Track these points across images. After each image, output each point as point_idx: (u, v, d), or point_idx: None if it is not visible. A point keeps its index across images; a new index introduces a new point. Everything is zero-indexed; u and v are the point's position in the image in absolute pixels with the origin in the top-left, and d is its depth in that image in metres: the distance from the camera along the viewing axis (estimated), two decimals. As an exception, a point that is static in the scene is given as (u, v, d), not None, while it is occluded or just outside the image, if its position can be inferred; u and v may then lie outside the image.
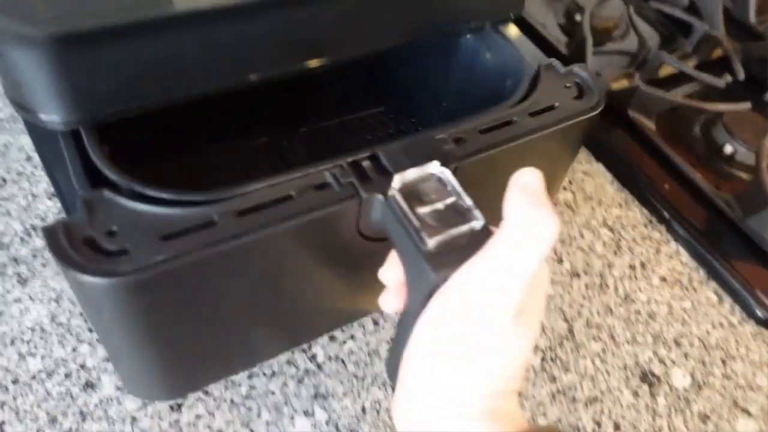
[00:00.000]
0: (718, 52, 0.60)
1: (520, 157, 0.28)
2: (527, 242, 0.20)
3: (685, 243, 0.45)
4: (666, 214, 0.46)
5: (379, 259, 0.25)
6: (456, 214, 0.23)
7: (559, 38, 0.61)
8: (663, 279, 0.43)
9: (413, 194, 0.24)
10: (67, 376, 0.32)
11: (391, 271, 0.25)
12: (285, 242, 0.25)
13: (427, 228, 0.23)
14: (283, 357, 0.35)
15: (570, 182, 0.48)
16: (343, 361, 0.35)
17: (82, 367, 0.33)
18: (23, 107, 0.24)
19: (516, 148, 0.28)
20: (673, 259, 0.44)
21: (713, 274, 0.44)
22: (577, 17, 0.63)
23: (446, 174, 0.25)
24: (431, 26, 0.30)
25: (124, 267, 0.21)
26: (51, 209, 0.39)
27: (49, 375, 0.32)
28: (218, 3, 0.22)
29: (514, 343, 0.22)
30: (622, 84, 0.56)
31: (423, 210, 0.23)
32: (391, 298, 0.25)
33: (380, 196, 0.24)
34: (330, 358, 0.35)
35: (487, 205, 0.23)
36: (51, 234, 0.21)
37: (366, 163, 0.26)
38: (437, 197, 0.24)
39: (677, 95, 0.54)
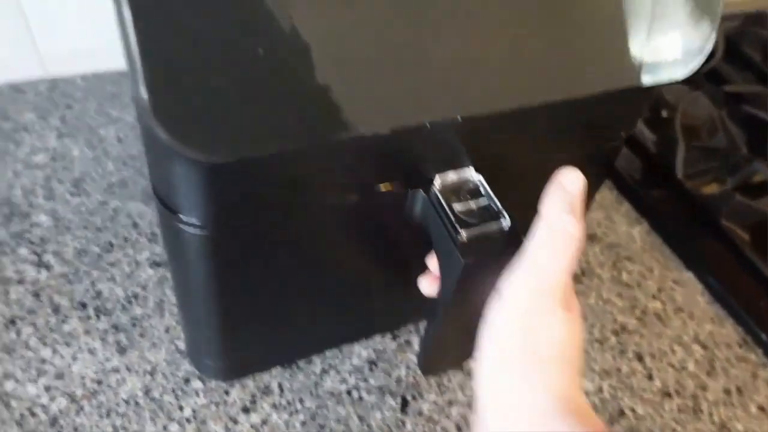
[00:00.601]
0: (814, 161, 0.58)
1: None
2: (561, 245, 0.23)
3: (784, 369, 0.43)
4: (763, 336, 0.44)
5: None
6: (487, 214, 0.27)
7: (643, 131, 0.61)
8: (761, 408, 0.40)
9: (451, 193, 0.28)
10: (156, 454, 0.33)
11: (434, 259, 0.28)
12: (347, 219, 0.29)
13: (460, 222, 0.26)
14: (363, 455, 0.34)
15: (659, 290, 0.46)
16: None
17: (171, 446, 0.33)
18: (168, 207, 0.26)
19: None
20: (772, 386, 0.42)
21: (816, 407, 0.41)
22: (664, 113, 0.62)
23: (480, 179, 0.29)
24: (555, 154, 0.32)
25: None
26: (152, 278, 0.40)
27: (140, 452, 0.33)
28: (397, 125, 0.24)
29: (568, 330, 0.24)
30: (712, 189, 0.54)
31: (459, 207, 0.27)
32: (429, 283, 0.29)
33: (422, 192, 0.28)
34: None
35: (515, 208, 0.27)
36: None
37: None
38: (472, 198, 0.28)
39: (772, 205, 0.52)
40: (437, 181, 0.28)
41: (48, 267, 0.40)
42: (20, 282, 0.39)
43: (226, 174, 0.23)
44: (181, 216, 0.25)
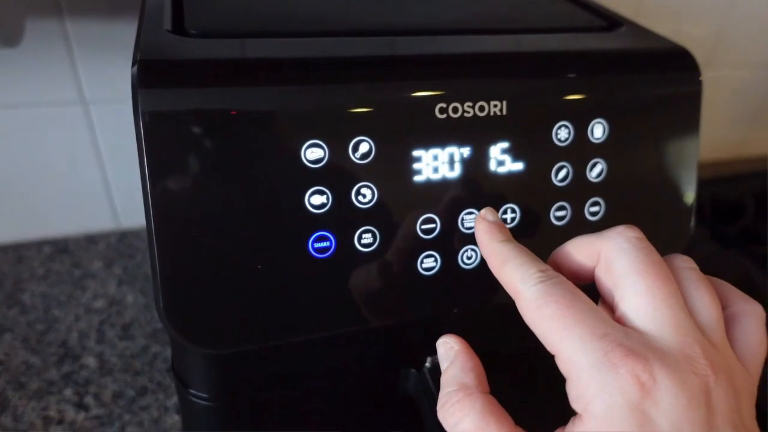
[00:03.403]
0: None
1: None
2: None
3: None
4: None
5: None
6: None
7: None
8: None
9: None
10: None
11: None
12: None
13: None
14: None
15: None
16: None
17: None
18: (182, 380, 0.29)
19: None
20: None
21: None
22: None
23: None
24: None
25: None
26: (176, 424, 0.43)
27: None
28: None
29: None
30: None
31: None
32: None
33: (414, 371, 0.30)
34: None
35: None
36: None
37: None
38: None
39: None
40: (428, 362, 0.31)
41: (87, 408, 0.44)
42: (60, 422, 0.43)
43: (228, 361, 0.27)
44: (191, 390, 0.29)
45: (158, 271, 0.23)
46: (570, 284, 0.20)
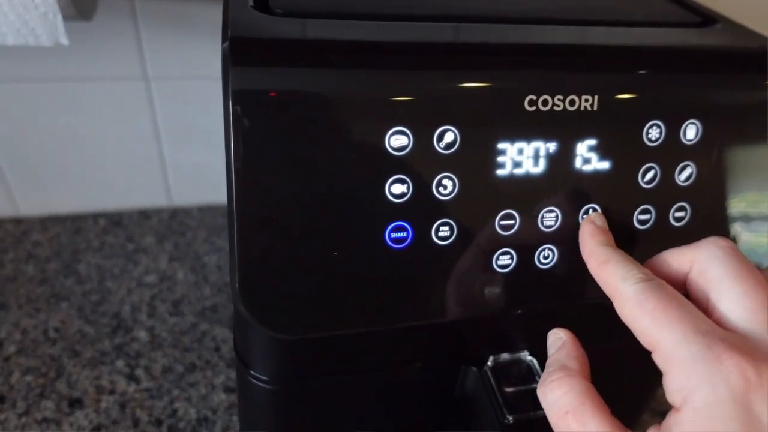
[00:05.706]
0: None
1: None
2: None
3: None
4: None
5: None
6: (536, 399, 0.26)
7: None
8: None
9: (503, 374, 0.28)
10: None
11: None
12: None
13: (508, 405, 0.27)
14: None
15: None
16: None
17: None
18: (243, 361, 0.29)
19: None
20: None
21: None
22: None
23: (534, 362, 0.29)
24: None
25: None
26: (223, 402, 0.44)
27: None
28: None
29: None
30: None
31: (509, 389, 0.27)
32: None
33: (474, 369, 0.29)
34: None
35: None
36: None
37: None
38: (524, 381, 0.28)
39: None
40: (490, 360, 0.30)
41: (137, 380, 0.45)
42: (111, 392, 0.44)
43: (295, 346, 0.26)
44: (252, 372, 0.29)
45: (237, 252, 0.22)
46: (670, 288, 0.20)
